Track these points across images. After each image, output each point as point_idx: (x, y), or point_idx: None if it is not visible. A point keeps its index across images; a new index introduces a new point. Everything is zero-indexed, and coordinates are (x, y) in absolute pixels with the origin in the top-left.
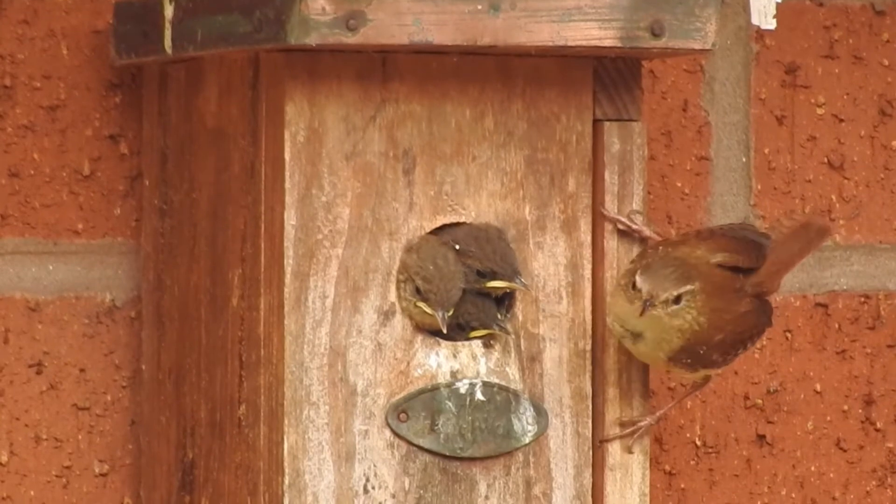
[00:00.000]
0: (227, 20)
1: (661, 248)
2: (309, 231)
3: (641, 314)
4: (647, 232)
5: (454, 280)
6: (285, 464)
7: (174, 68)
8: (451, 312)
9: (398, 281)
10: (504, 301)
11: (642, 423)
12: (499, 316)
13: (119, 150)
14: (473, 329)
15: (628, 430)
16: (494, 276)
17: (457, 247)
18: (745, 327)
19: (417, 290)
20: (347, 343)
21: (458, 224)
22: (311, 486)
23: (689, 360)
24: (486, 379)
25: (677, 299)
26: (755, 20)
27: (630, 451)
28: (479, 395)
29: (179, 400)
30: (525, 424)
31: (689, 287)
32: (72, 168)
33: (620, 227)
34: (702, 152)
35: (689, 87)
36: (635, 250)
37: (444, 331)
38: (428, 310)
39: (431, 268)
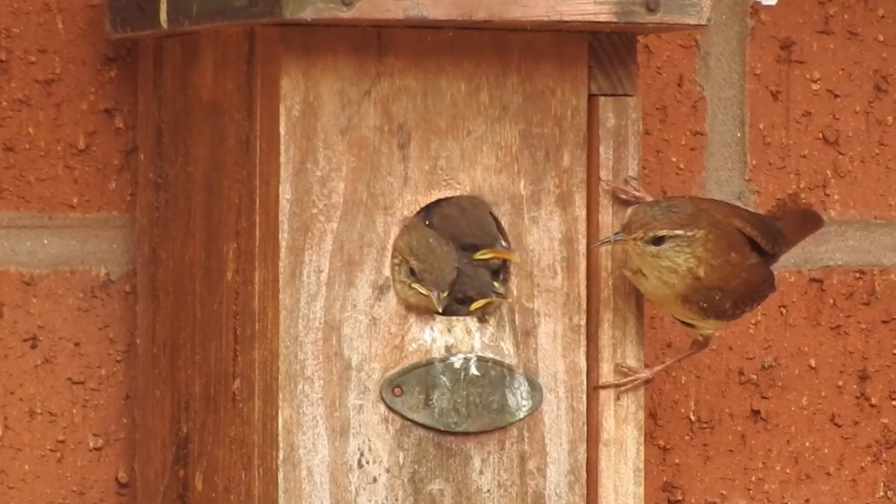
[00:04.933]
0: None
1: (688, 196)
2: (304, 205)
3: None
4: (648, 199)
5: (448, 260)
6: (280, 438)
7: (170, 42)
8: (446, 293)
9: (392, 265)
10: (499, 272)
11: (640, 375)
12: (495, 284)
13: (114, 124)
14: (473, 301)
15: (625, 380)
16: (476, 249)
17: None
18: (757, 279)
19: (412, 272)
20: (342, 317)
21: (433, 205)
22: (305, 460)
23: (704, 305)
24: (480, 353)
25: (658, 240)
26: None
27: (619, 399)
28: (473, 370)
29: (174, 374)
30: (519, 399)
31: (678, 232)
32: (67, 142)
33: (622, 196)
34: (696, 127)
35: (684, 62)
36: None
37: (440, 310)
38: (423, 290)
39: (425, 248)
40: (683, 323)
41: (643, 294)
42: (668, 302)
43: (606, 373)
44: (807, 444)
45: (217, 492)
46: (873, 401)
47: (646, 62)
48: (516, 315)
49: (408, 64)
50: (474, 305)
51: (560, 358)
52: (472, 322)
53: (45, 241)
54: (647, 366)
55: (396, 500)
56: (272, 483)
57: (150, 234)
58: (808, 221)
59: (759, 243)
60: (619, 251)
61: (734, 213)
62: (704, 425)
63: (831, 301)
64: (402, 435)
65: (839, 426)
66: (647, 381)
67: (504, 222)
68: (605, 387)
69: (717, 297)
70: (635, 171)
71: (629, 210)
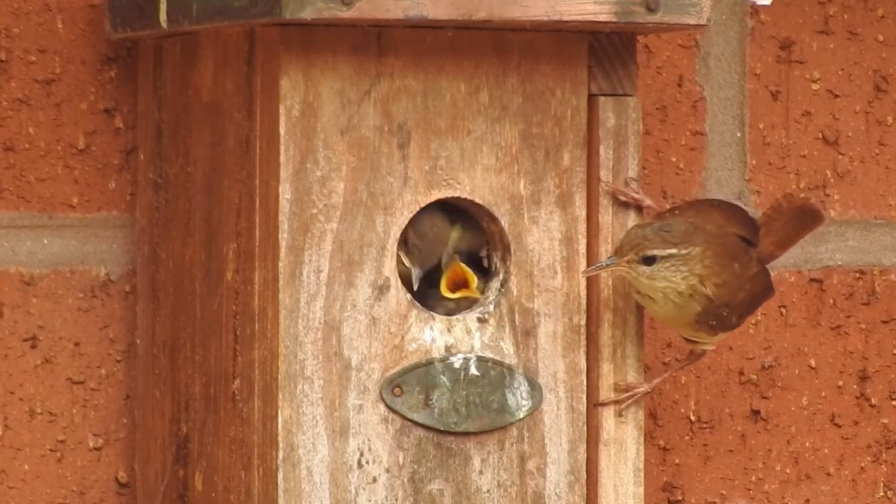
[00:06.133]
0: None
1: (677, 211)
2: (303, 205)
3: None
4: (647, 202)
5: (440, 246)
6: (279, 438)
7: (169, 42)
8: (420, 274)
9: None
10: (490, 269)
11: (639, 389)
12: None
13: (114, 124)
14: (441, 272)
15: (624, 396)
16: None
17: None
18: (759, 288)
19: (405, 241)
20: (342, 317)
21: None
22: (305, 460)
23: (713, 323)
24: (480, 353)
25: (649, 259)
26: None
27: (621, 415)
28: (473, 370)
29: (174, 374)
30: (519, 399)
31: (671, 251)
32: (67, 142)
33: (622, 198)
34: (696, 127)
35: (684, 62)
36: (630, 224)
37: (415, 287)
38: (405, 262)
39: (427, 229)
40: (688, 340)
41: (654, 317)
42: (679, 324)
43: (606, 373)
44: (807, 444)
45: (217, 492)
46: (873, 401)
47: (646, 62)
48: (516, 315)
49: (408, 64)
50: (443, 278)
51: (560, 358)
52: (471, 322)
53: (45, 241)
54: (645, 377)
55: (396, 500)
56: (272, 483)
57: (150, 234)
58: (806, 217)
59: (749, 239)
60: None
61: (725, 217)
62: (704, 425)
63: (831, 301)
64: (402, 435)
65: (839, 426)
66: (646, 394)
67: (504, 222)
68: (604, 404)
69: (725, 313)
70: (635, 172)
71: (622, 235)
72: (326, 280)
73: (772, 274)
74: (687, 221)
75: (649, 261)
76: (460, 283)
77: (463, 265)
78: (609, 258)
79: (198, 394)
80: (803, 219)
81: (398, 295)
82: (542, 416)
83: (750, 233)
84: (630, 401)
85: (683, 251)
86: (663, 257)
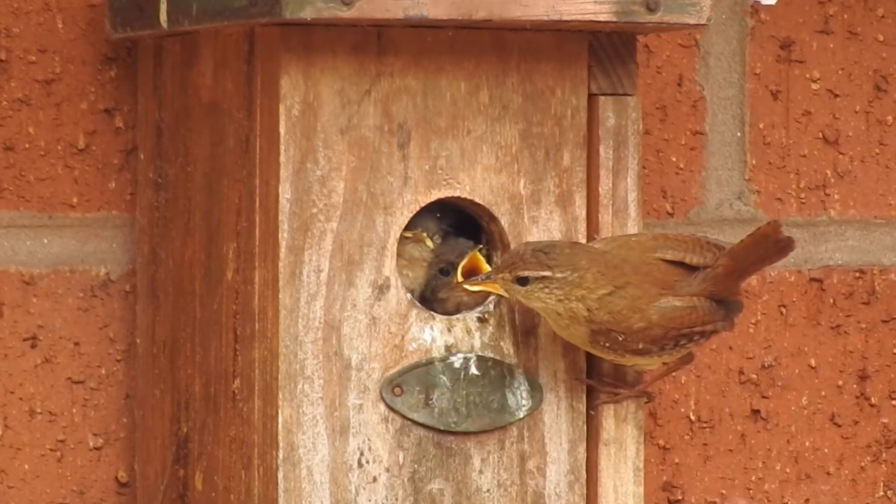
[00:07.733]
0: None
1: (607, 239)
2: (303, 205)
3: (464, 281)
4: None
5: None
6: (279, 438)
7: (169, 42)
8: (432, 238)
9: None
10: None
11: (631, 390)
12: (480, 245)
13: (114, 124)
14: (454, 266)
15: (620, 391)
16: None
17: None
18: (681, 322)
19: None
20: (342, 317)
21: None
22: (305, 459)
23: (607, 345)
24: (480, 353)
25: (522, 280)
26: None
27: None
28: (473, 370)
29: (174, 374)
30: (519, 399)
31: (545, 273)
32: (67, 142)
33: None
34: (696, 127)
35: (684, 61)
36: (629, 225)
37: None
38: (428, 243)
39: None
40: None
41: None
42: (579, 344)
43: (606, 372)
44: (807, 443)
45: (217, 491)
46: (873, 400)
47: (646, 62)
48: (516, 314)
49: (408, 63)
50: (460, 266)
51: (560, 357)
52: (472, 321)
53: (45, 241)
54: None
55: (396, 499)
56: (272, 483)
57: (150, 233)
58: (769, 245)
59: (690, 263)
60: None
61: (666, 241)
62: (704, 425)
63: (831, 301)
64: (402, 434)
65: (839, 426)
66: (641, 394)
67: (504, 222)
68: (604, 402)
69: (622, 339)
70: (635, 173)
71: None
72: (326, 280)
73: (772, 273)
74: (576, 244)
75: (522, 281)
76: (475, 273)
77: (480, 257)
78: (488, 273)
79: (198, 393)
80: (766, 247)
81: (398, 294)
82: (542, 415)
83: (700, 258)
84: (625, 395)
85: (559, 275)
86: (536, 279)
